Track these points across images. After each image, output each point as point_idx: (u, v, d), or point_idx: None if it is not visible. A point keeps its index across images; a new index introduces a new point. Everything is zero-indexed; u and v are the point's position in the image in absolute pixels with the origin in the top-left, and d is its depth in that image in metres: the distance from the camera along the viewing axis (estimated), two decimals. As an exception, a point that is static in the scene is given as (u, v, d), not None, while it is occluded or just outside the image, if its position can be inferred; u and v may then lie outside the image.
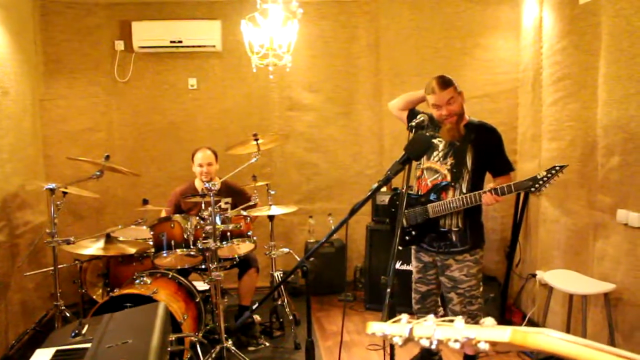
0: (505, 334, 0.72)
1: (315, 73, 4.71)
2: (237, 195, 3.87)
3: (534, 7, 3.88)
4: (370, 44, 4.65)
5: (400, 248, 2.89)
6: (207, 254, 3.18)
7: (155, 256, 3.24)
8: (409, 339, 0.78)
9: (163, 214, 3.73)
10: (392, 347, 2.11)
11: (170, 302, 3.02)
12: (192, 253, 3.23)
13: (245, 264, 3.68)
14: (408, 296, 2.97)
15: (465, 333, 0.73)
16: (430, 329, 0.76)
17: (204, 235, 3.16)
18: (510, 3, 4.31)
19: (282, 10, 3.30)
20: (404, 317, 0.81)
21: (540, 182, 2.46)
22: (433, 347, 0.76)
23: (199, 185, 3.81)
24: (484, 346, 0.72)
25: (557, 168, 2.45)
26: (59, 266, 3.35)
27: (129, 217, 4.00)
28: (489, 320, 0.76)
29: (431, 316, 0.79)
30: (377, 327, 0.82)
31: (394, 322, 0.81)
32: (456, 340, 0.73)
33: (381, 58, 4.65)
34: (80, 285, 3.58)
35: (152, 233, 3.26)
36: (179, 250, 3.20)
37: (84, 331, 2.06)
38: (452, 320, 0.76)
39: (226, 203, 3.82)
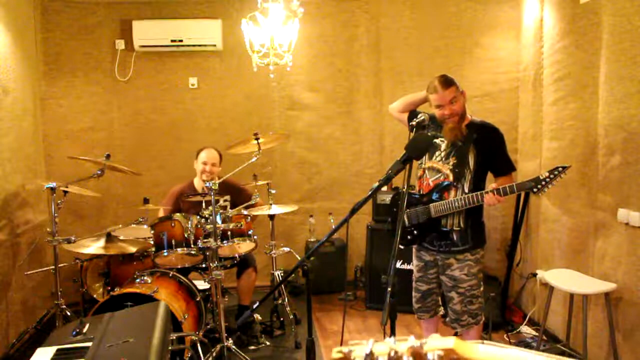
0: (450, 341, 0.79)
1: (316, 72, 4.71)
2: (236, 193, 3.86)
3: (535, 6, 3.87)
4: (371, 43, 4.65)
5: (401, 247, 2.90)
6: (207, 253, 3.18)
7: (155, 255, 3.24)
8: (370, 356, 0.84)
9: (161, 213, 3.72)
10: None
11: (171, 301, 3.02)
12: (192, 252, 3.23)
13: (243, 263, 3.69)
14: (409, 295, 2.96)
15: (415, 343, 0.81)
16: (388, 345, 0.83)
17: (204, 234, 3.16)
18: (511, 2, 4.31)
19: (282, 10, 3.30)
20: (371, 340, 0.87)
21: (543, 182, 2.45)
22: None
23: (198, 184, 3.82)
24: (432, 356, 0.79)
25: (560, 169, 2.45)
26: (60, 265, 3.35)
27: (130, 216, 3.99)
28: (435, 335, 0.83)
29: (392, 338, 0.86)
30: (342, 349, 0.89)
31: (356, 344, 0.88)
32: (412, 345, 0.81)
33: (381, 57, 4.65)
34: (81, 284, 3.58)
35: (152, 232, 3.26)
36: (179, 249, 3.20)
37: (84, 330, 2.06)
38: (407, 339, 0.84)
39: (225, 201, 3.82)
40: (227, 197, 3.83)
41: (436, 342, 0.80)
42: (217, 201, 3.35)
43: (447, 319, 2.88)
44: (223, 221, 3.17)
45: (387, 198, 4.18)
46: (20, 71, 3.86)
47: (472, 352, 0.82)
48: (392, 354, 0.82)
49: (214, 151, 3.79)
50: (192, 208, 3.71)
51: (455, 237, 2.73)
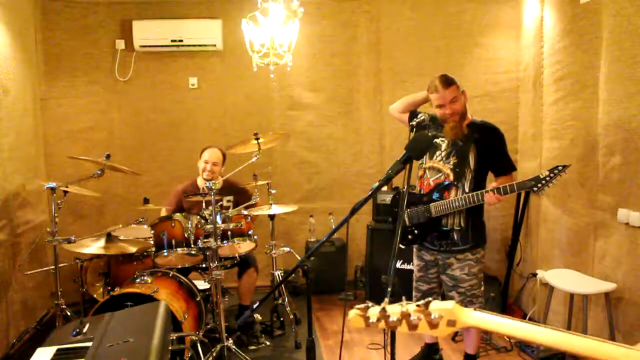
0: (449, 304, 1.00)
1: (316, 72, 4.71)
2: (239, 194, 3.87)
3: (535, 6, 3.87)
4: (371, 43, 4.65)
5: (402, 247, 2.90)
6: (207, 253, 3.18)
7: (155, 255, 3.24)
8: (383, 312, 1.03)
9: (163, 213, 3.73)
10: (392, 346, 2.11)
11: (171, 301, 3.02)
12: (192, 252, 3.23)
13: (244, 263, 3.69)
14: (409, 295, 2.97)
15: (421, 302, 1.01)
16: (399, 306, 1.04)
17: (204, 234, 3.16)
18: (511, 2, 4.31)
19: (283, 9, 3.29)
20: (386, 300, 1.08)
21: (543, 181, 2.47)
22: (398, 317, 1.03)
23: (201, 183, 3.82)
24: (434, 315, 0.99)
25: (560, 168, 2.46)
26: (60, 265, 3.35)
27: (130, 216, 4.00)
28: (437, 300, 1.02)
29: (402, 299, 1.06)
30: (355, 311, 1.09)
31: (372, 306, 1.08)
32: (418, 304, 1.02)
33: (382, 57, 4.65)
34: (81, 284, 3.58)
35: (152, 232, 3.26)
36: (179, 249, 3.20)
37: (84, 330, 2.06)
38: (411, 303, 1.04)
39: (228, 201, 3.83)
40: (230, 198, 3.83)
41: (438, 305, 1.01)
42: (218, 201, 3.36)
43: (447, 319, 2.88)
44: (223, 221, 3.17)
45: (387, 198, 4.19)
46: (20, 71, 3.86)
47: (467, 316, 1.01)
48: (405, 310, 1.02)
49: (217, 151, 3.78)
50: (194, 207, 3.71)
51: (455, 237, 2.73)
